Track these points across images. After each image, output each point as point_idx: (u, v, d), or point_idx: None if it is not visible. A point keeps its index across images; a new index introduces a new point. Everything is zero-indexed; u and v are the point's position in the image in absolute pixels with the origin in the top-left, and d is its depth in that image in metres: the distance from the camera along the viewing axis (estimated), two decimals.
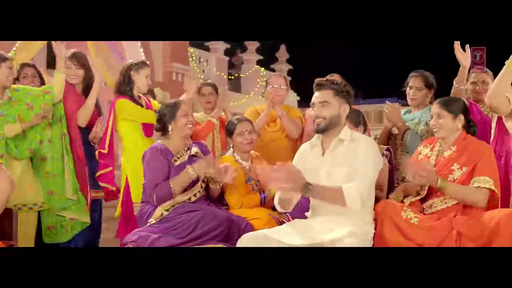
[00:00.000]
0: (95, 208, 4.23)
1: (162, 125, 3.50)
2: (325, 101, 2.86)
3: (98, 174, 4.07)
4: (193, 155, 3.49)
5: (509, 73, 3.02)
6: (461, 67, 3.68)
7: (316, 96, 2.92)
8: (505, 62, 3.02)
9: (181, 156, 3.44)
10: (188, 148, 3.51)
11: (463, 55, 3.60)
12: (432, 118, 3.16)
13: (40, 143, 3.88)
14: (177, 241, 3.13)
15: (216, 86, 4.67)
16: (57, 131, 3.99)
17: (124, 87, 4.05)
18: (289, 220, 3.51)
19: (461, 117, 3.11)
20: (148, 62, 4.28)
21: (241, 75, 16.10)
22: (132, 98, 4.04)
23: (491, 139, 3.37)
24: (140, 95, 4.16)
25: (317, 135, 2.98)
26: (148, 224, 3.30)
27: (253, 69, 16.48)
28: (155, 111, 3.81)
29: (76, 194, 3.97)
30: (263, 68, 16.71)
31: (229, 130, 3.74)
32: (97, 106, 4.26)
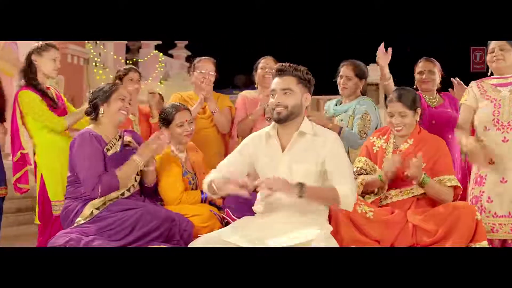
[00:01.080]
0: None
1: (93, 107, 3.07)
2: (289, 88, 2.59)
3: (17, 176, 3.57)
4: (126, 145, 3.12)
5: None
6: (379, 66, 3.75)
7: (278, 82, 2.62)
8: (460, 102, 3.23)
9: (113, 145, 3.05)
10: (120, 137, 3.13)
11: (381, 55, 3.67)
12: (393, 116, 3.05)
13: None
14: (114, 243, 2.77)
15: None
16: None
17: (29, 76, 3.52)
18: (229, 215, 3.27)
19: (418, 110, 3.08)
20: (55, 44, 3.67)
21: (139, 60, 15.40)
22: (37, 88, 3.50)
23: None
24: (49, 86, 3.63)
25: (273, 124, 2.70)
26: (76, 224, 2.89)
27: (152, 54, 15.85)
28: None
29: None
30: (161, 54, 16.15)
31: (166, 120, 3.38)
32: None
